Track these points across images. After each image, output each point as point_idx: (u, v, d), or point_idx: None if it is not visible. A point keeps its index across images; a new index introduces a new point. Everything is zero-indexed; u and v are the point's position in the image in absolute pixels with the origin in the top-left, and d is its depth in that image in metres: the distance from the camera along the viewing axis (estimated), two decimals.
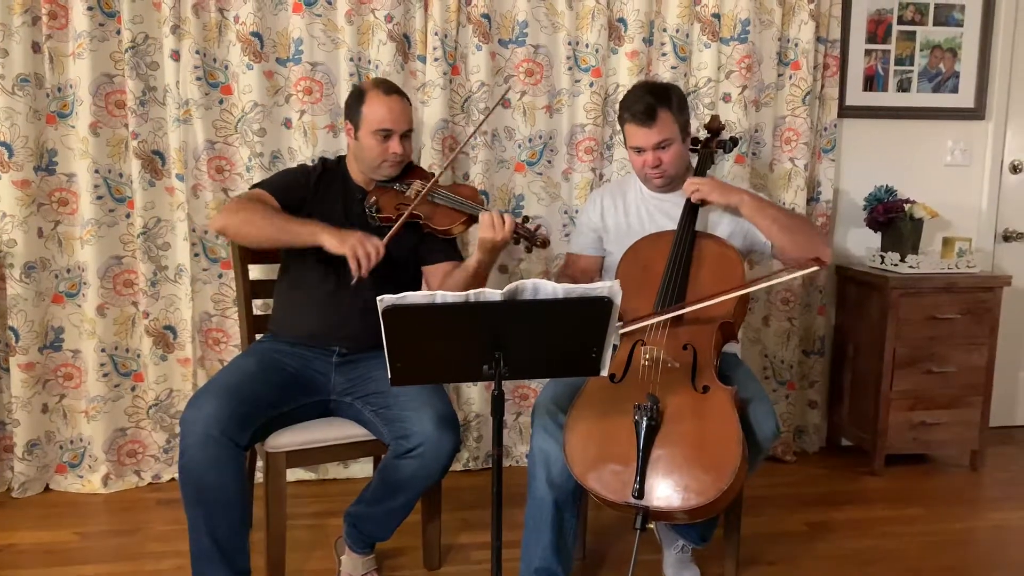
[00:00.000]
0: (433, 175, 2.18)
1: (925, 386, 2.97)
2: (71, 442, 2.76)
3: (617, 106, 2.32)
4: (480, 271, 2.06)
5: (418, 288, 2.23)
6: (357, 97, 2.16)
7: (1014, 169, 3.35)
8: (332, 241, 1.94)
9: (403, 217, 2.06)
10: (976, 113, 3.26)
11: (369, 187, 2.20)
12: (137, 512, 2.61)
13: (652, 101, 2.10)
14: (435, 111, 2.74)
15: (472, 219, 2.08)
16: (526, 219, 2.07)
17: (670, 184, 2.23)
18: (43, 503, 2.66)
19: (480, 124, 2.48)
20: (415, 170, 2.24)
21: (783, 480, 2.96)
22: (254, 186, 2.19)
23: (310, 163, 2.28)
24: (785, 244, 2.07)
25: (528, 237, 2.04)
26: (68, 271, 2.70)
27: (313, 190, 2.18)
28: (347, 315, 2.10)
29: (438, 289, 2.12)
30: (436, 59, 2.72)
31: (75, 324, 2.72)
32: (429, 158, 2.76)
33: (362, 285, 1.95)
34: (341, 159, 2.28)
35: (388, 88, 2.16)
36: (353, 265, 1.91)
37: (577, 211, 2.86)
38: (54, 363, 2.73)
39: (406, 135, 2.15)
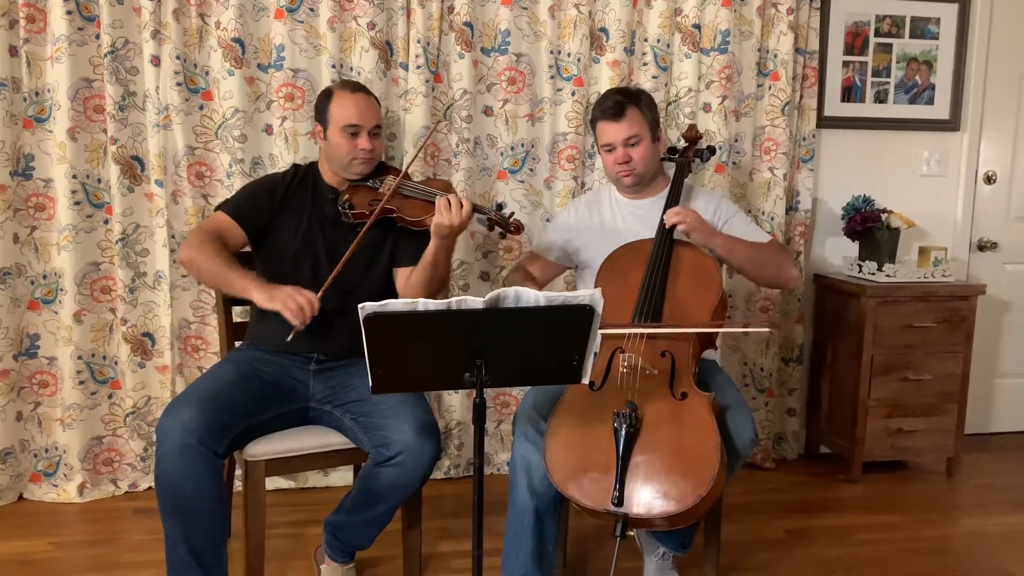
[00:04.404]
0: (405, 168, 2.21)
1: (902, 394, 3.01)
2: (46, 450, 2.72)
3: None
4: (438, 257, 2.06)
5: (393, 290, 2.23)
6: (325, 98, 2.20)
7: (988, 180, 3.40)
8: (261, 297, 1.94)
9: (377, 210, 2.08)
10: (951, 124, 3.31)
11: (342, 187, 2.21)
12: (113, 522, 2.58)
13: (621, 99, 2.20)
14: (417, 118, 2.74)
15: None
16: (500, 206, 2.09)
17: (639, 185, 2.26)
18: (17, 512, 2.63)
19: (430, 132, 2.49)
20: (387, 168, 2.26)
21: (762, 487, 2.98)
22: (218, 206, 2.20)
23: (284, 170, 2.29)
24: (756, 278, 2.23)
25: (502, 224, 2.06)
26: (44, 277, 2.67)
27: (281, 200, 2.18)
28: (323, 322, 2.09)
29: (403, 288, 2.15)
30: (418, 67, 2.72)
31: (51, 331, 2.68)
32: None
33: (337, 294, 1.96)
34: (313, 164, 2.30)
35: (355, 87, 2.21)
36: (289, 317, 1.90)
37: None
38: (29, 370, 2.69)
39: (375, 132, 2.18)
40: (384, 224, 2.13)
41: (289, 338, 1.94)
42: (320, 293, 1.97)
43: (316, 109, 2.23)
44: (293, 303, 1.90)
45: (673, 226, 2.09)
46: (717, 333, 2.16)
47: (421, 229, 2.15)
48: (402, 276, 2.20)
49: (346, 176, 2.20)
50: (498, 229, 2.09)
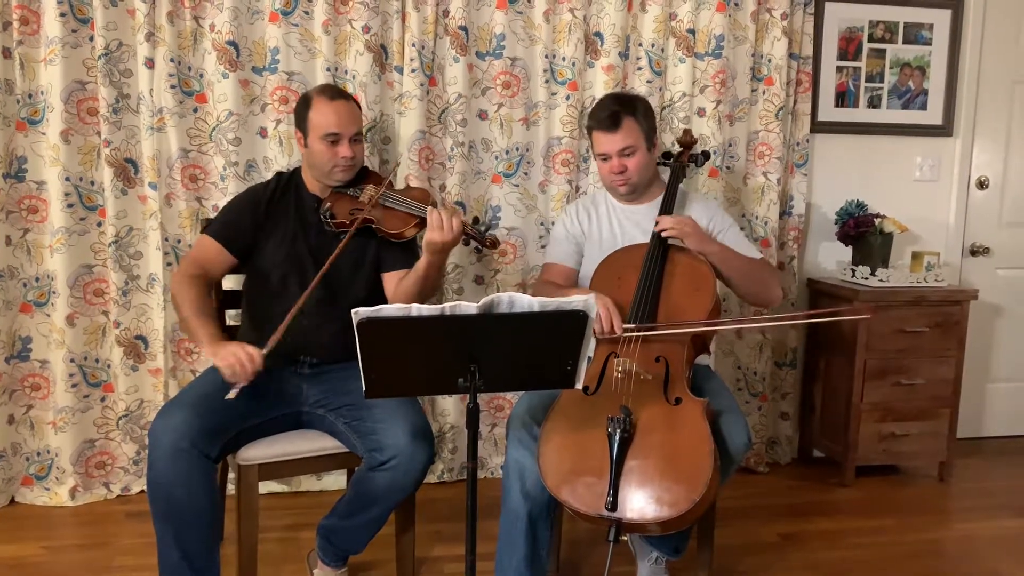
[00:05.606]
0: (386, 178, 2.20)
1: (894, 398, 3.02)
2: (38, 454, 2.71)
3: None
4: (430, 272, 2.05)
5: (380, 293, 2.23)
6: (304, 105, 2.18)
7: (981, 185, 3.42)
8: (208, 352, 1.93)
9: (355, 224, 2.08)
10: (944, 130, 3.32)
11: (324, 195, 2.20)
12: (106, 525, 2.57)
13: (617, 108, 2.18)
14: (412, 122, 2.74)
15: (424, 221, 2.08)
16: (476, 220, 2.09)
17: (635, 193, 2.27)
18: (8, 516, 2.61)
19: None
20: (369, 175, 2.25)
21: (755, 491, 2.98)
22: (204, 228, 2.20)
23: (266, 181, 2.28)
24: (743, 291, 2.21)
25: (477, 238, 2.06)
26: (37, 280, 2.66)
27: (265, 212, 2.17)
28: (313, 326, 2.09)
29: (393, 294, 2.15)
30: (413, 70, 2.72)
31: (43, 334, 2.67)
32: (405, 169, 2.76)
33: (325, 299, 1.99)
34: (296, 171, 2.28)
35: (334, 93, 2.18)
36: (227, 375, 1.87)
37: (553, 223, 2.88)
38: (21, 373, 2.68)
39: (356, 139, 2.16)
40: (367, 230, 2.13)
41: (229, 395, 1.87)
42: (265, 350, 1.91)
43: (296, 116, 2.21)
44: (233, 359, 1.86)
45: (665, 231, 2.09)
46: (712, 336, 2.17)
47: (400, 241, 2.14)
48: (391, 281, 2.19)
49: (328, 183, 2.18)
50: (473, 243, 2.08)
